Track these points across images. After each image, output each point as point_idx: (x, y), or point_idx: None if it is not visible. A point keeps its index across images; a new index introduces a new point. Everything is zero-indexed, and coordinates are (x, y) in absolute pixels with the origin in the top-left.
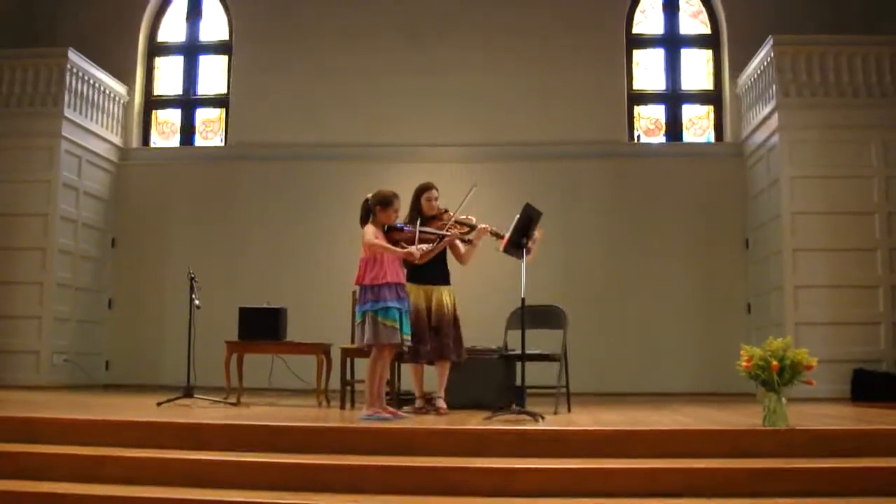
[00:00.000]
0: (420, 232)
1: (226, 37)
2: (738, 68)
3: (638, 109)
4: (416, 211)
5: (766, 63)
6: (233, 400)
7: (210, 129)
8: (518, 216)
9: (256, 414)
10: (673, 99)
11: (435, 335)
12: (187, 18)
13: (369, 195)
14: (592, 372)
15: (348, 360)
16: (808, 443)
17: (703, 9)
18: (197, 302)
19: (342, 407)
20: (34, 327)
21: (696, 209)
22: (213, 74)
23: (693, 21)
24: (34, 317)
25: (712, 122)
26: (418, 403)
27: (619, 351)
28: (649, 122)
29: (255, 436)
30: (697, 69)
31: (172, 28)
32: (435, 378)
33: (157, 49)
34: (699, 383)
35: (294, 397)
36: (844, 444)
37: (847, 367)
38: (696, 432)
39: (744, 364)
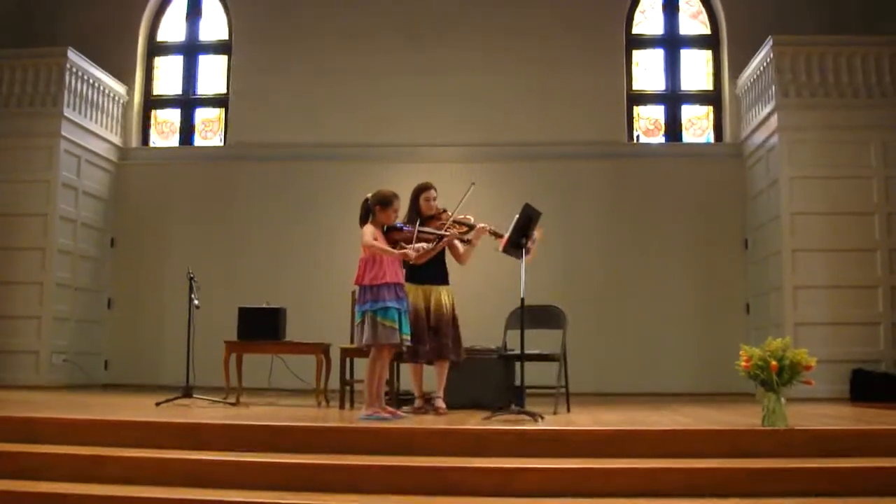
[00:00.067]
0: (419, 232)
1: (225, 37)
2: (737, 69)
3: (637, 110)
4: (415, 211)
5: (765, 63)
6: (232, 400)
7: (209, 128)
8: (517, 216)
9: (256, 414)
10: (672, 99)
11: (434, 335)
12: (187, 18)
13: (369, 195)
14: (592, 372)
15: (348, 360)
16: (808, 443)
17: (703, 9)
18: (196, 302)
19: (341, 407)
20: (33, 327)
21: (695, 209)
22: (213, 74)
23: (693, 21)
24: (33, 317)
25: (712, 123)
26: (417, 403)
27: (618, 351)
28: (649, 122)
29: (254, 436)
30: (697, 69)
31: (172, 28)
32: (434, 378)
33: (156, 49)
34: (699, 383)
35: (293, 397)
36: (843, 444)
37: (846, 368)
38: (695, 432)
39: (743, 364)
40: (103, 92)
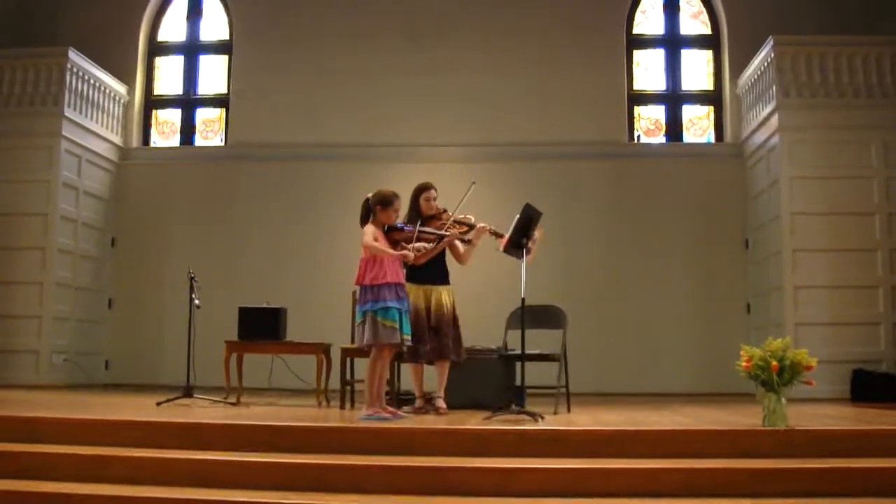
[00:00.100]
0: (420, 232)
1: (226, 36)
2: (738, 69)
3: (638, 110)
4: (415, 211)
5: (766, 63)
6: (232, 400)
7: (210, 128)
8: (518, 216)
9: (256, 414)
10: (673, 99)
11: (434, 335)
12: (187, 18)
13: (370, 195)
14: (592, 372)
15: (348, 359)
16: (808, 443)
17: (704, 9)
18: (197, 302)
19: (342, 407)
20: (34, 327)
21: (695, 209)
22: (213, 74)
23: (693, 21)
24: (34, 316)
25: (712, 123)
26: (418, 403)
27: (618, 351)
28: (649, 122)
29: (255, 436)
30: (698, 69)
31: (172, 28)
32: (435, 378)
33: (157, 49)
34: (699, 383)
35: (294, 397)
36: (844, 445)
37: (846, 368)
38: (695, 432)
39: (743, 364)
40: (104, 92)
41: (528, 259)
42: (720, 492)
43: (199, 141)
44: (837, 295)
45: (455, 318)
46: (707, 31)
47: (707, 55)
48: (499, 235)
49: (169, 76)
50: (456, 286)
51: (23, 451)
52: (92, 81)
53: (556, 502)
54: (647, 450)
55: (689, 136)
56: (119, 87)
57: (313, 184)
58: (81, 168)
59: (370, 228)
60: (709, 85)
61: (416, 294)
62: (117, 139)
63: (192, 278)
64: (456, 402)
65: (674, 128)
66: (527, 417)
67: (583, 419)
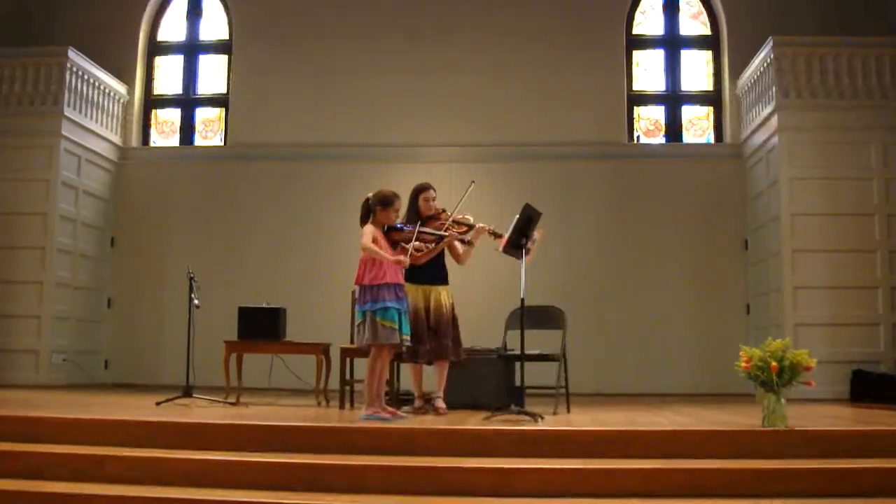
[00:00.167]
0: (419, 232)
1: (226, 36)
2: (737, 69)
3: (638, 110)
4: (414, 211)
5: (766, 64)
6: (232, 400)
7: (210, 128)
8: (517, 216)
9: (256, 414)
10: (673, 100)
11: (433, 335)
12: (187, 18)
13: (370, 195)
14: (592, 372)
15: (348, 359)
16: (807, 443)
17: (703, 10)
18: (196, 301)
19: (341, 407)
20: (33, 326)
21: (695, 210)
22: (213, 74)
23: (693, 22)
24: (33, 316)
25: (712, 124)
26: (417, 403)
27: (618, 351)
28: (649, 122)
29: (254, 436)
30: (697, 70)
31: (172, 27)
32: (434, 378)
33: (156, 48)
34: (699, 383)
35: (293, 397)
36: (843, 445)
37: (846, 368)
38: (695, 433)
39: (743, 365)
40: (104, 91)
41: (527, 259)
42: (720, 492)
43: (198, 141)
44: (837, 295)
45: (454, 319)
46: (707, 31)
47: (707, 56)
48: (498, 236)
49: (169, 76)
50: (455, 286)
51: (23, 450)
52: (92, 81)
53: (556, 502)
54: (647, 450)
55: (688, 137)
56: (119, 87)
57: (313, 184)
58: (81, 167)
59: (369, 228)
60: (708, 85)
61: (415, 294)
62: (117, 139)
63: (191, 278)
64: (455, 402)
65: (673, 128)
66: (526, 418)
67: (582, 419)
